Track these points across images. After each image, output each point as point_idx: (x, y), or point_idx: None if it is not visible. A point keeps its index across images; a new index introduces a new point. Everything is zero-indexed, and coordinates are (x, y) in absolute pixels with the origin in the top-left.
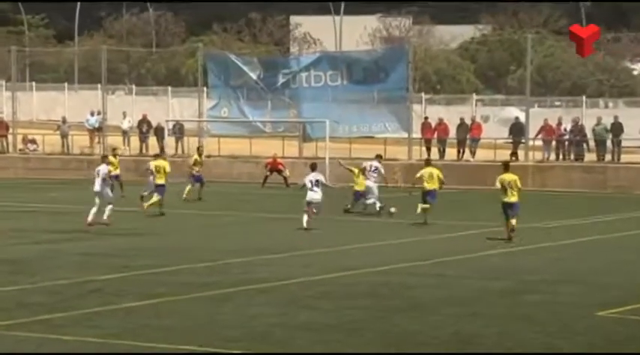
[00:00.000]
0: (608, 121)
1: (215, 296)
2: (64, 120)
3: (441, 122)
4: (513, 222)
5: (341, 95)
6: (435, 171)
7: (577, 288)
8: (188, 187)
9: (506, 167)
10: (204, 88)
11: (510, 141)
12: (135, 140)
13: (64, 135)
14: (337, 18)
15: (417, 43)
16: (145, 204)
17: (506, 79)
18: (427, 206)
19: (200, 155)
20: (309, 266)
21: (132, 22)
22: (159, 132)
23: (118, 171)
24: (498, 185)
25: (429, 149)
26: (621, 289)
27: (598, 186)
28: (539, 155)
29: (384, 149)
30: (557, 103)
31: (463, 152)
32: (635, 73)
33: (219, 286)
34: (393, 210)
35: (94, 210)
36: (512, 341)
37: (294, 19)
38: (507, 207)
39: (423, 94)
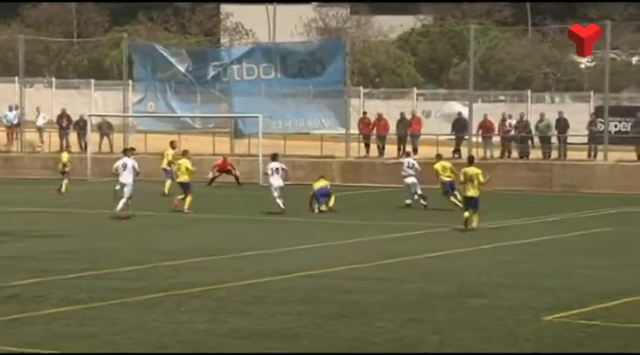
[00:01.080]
0: (553, 117)
1: (143, 301)
2: None
3: (380, 117)
4: (474, 221)
5: (275, 89)
6: (446, 164)
7: (522, 292)
8: (168, 182)
9: (470, 160)
10: (130, 81)
11: (453, 137)
12: (55, 136)
13: None
14: (271, 7)
15: (355, 34)
16: (185, 208)
17: (448, 73)
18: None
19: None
20: (241, 270)
21: (51, 10)
22: (80, 127)
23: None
24: (462, 177)
25: (367, 145)
26: (569, 292)
27: (544, 184)
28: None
29: (321, 145)
30: (502, 98)
31: (404, 149)
32: (582, 66)
33: (147, 291)
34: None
35: (122, 201)
36: (454, 348)
37: (224, 7)
38: (468, 202)
39: (361, 88)
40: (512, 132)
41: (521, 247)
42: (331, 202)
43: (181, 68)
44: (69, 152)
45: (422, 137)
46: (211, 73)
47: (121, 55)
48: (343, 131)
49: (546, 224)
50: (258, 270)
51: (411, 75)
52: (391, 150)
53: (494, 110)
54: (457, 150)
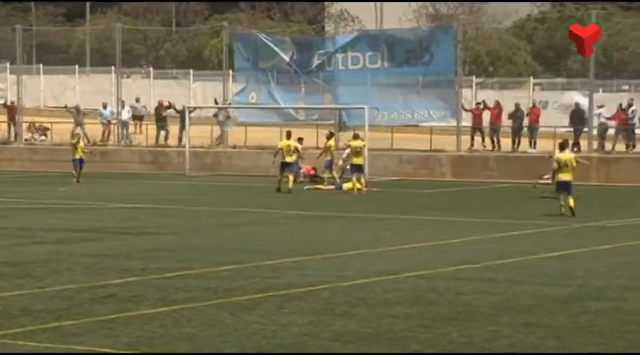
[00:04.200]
0: None
1: (241, 302)
2: (77, 109)
3: (497, 104)
4: (571, 202)
5: (381, 79)
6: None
7: (635, 294)
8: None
9: (562, 146)
10: (230, 71)
11: (571, 129)
12: (152, 129)
13: (78, 125)
14: None
15: (467, 20)
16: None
17: (567, 61)
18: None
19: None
20: (344, 270)
21: None
22: (182, 117)
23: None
24: (555, 165)
25: (474, 137)
26: None
27: None
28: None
29: (430, 139)
30: (625, 88)
31: (519, 142)
32: None
33: (245, 291)
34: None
35: None
36: None
37: None
38: (561, 185)
39: (473, 78)
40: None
41: (634, 248)
42: (362, 181)
43: (285, 57)
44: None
45: (540, 130)
46: (315, 62)
47: (221, 44)
48: (454, 123)
49: None
50: (362, 270)
51: (528, 63)
52: (505, 143)
53: (616, 100)
54: (576, 144)
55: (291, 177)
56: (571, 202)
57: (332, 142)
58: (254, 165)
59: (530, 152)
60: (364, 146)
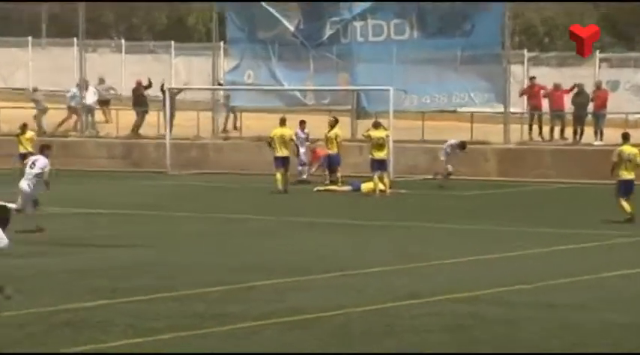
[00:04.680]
0: None
1: (234, 332)
2: (34, 90)
3: (557, 88)
4: (627, 206)
5: (410, 53)
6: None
7: None
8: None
9: (626, 137)
10: (221, 44)
11: None
12: (125, 115)
13: (40, 111)
14: None
15: None
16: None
17: None
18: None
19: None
20: (363, 290)
21: None
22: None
23: None
24: (615, 158)
25: (532, 126)
26: None
27: None
28: None
29: (470, 128)
30: None
31: (582, 132)
32: None
33: (239, 318)
34: None
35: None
36: None
37: None
38: (624, 186)
39: (525, 52)
40: None
41: None
42: (386, 181)
43: (290, 26)
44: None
45: (608, 116)
46: (327, 32)
47: (210, 10)
48: (500, 108)
49: None
50: (386, 291)
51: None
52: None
53: None
54: None
55: (278, 176)
56: (627, 207)
57: (337, 131)
58: (251, 161)
59: (595, 145)
60: (388, 137)
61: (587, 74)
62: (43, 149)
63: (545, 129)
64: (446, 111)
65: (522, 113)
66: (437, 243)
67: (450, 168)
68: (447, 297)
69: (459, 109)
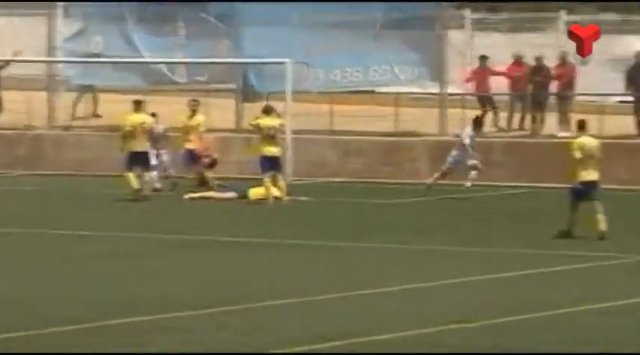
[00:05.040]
0: None
1: None
2: None
3: (518, 60)
4: (601, 222)
5: (313, 15)
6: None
7: None
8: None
9: (582, 126)
10: (59, 3)
11: (631, 97)
12: None
13: None
14: None
15: None
16: None
17: None
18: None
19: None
20: (258, 331)
21: None
22: None
23: None
24: (578, 155)
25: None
26: None
27: None
28: None
29: (395, 114)
30: None
31: (542, 118)
32: None
33: None
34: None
35: None
36: None
37: None
38: (586, 190)
39: (467, 13)
40: None
41: None
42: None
43: None
44: None
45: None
46: None
47: None
48: (435, 89)
49: None
50: (289, 331)
51: None
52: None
53: None
54: None
55: (131, 175)
56: (600, 218)
57: (199, 118)
58: (99, 158)
59: (560, 135)
60: (282, 126)
61: (549, 43)
62: None
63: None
64: (361, 91)
65: (464, 95)
66: (349, 269)
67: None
68: (356, 341)
69: (378, 90)
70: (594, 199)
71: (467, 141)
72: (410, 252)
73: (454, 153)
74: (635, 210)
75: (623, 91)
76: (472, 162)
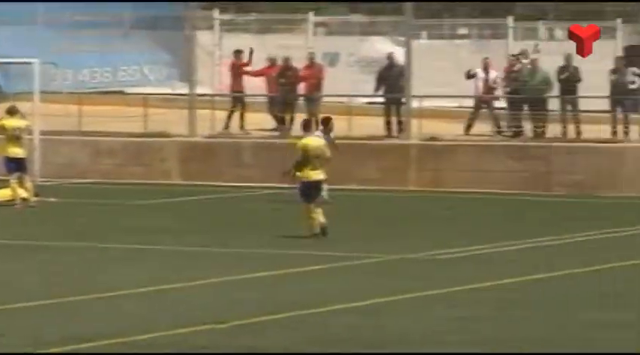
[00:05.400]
0: (553, 61)
1: None
2: None
3: (272, 62)
4: (320, 216)
5: (60, 15)
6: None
7: None
8: None
9: (306, 126)
10: None
11: (381, 98)
12: None
13: None
14: None
15: None
16: None
17: None
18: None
19: None
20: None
21: None
22: None
23: None
24: (301, 154)
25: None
26: None
27: (536, 182)
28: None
29: (144, 114)
30: (463, 32)
31: (292, 120)
32: None
33: None
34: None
35: None
36: None
37: None
38: (313, 188)
39: (216, 14)
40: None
41: (500, 293)
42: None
43: None
44: None
45: (325, 99)
46: None
47: None
48: (184, 89)
49: (542, 250)
50: (108, 326)
51: None
52: (260, 119)
53: (450, 51)
54: (390, 123)
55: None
56: (319, 212)
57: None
58: None
59: None
60: (28, 127)
61: (299, 44)
62: None
63: (255, 116)
64: (111, 92)
65: (213, 95)
66: (94, 270)
67: None
68: (110, 342)
69: (127, 90)
70: (315, 197)
71: None
72: (158, 252)
73: None
74: (382, 210)
75: (372, 93)
76: None
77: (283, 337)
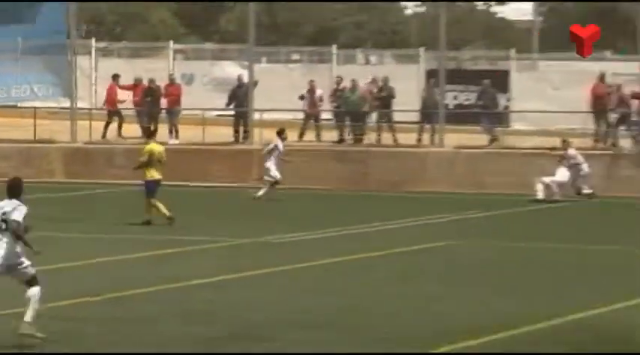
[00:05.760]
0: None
1: None
2: None
3: (137, 82)
4: (163, 208)
5: None
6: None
7: (318, 333)
8: None
9: (151, 133)
10: None
11: (232, 113)
12: None
13: None
14: None
15: None
16: None
17: (219, 22)
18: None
19: None
20: None
21: None
22: None
23: None
24: (145, 158)
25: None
26: (392, 331)
27: (356, 180)
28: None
29: (34, 125)
30: (296, 57)
31: (155, 129)
32: (409, 12)
33: None
34: None
35: None
36: None
37: None
38: (155, 185)
39: (93, 42)
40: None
41: (318, 270)
42: None
43: None
44: None
45: (183, 112)
46: None
47: None
48: (67, 104)
49: (357, 237)
50: None
51: (167, 24)
52: (131, 129)
53: (285, 73)
54: (237, 132)
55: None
56: (161, 206)
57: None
58: None
59: (170, 143)
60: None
61: (162, 67)
62: None
63: (130, 127)
64: (5, 106)
65: (91, 109)
66: None
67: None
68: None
69: (20, 104)
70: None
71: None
72: (43, 237)
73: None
74: (229, 203)
75: (223, 107)
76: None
77: (150, 309)
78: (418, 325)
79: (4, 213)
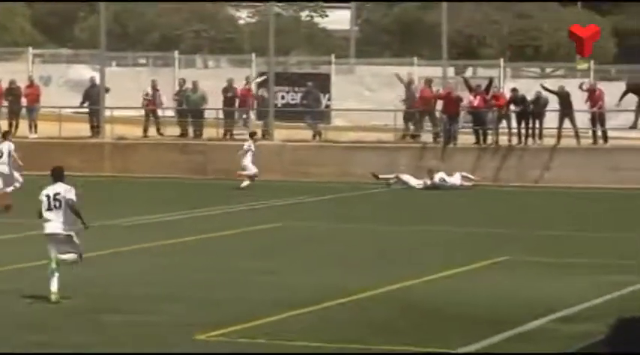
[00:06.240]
0: (209, 84)
1: None
2: None
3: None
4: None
5: None
6: None
7: (173, 305)
8: None
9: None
10: None
11: (86, 110)
12: None
13: None
14: None
15: None
16: None
17: (73, 30)
18: None
19: None
20: None
21: None
22: None
23: None
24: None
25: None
26: (231, 304)
27: (197, 169)
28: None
29: None
30: (143, 61)
31: (16, 125)
32: (242, 22)
33: None
34: None
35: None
36: None
37: None
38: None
39: None
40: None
41: (168, 249)
42: None
43: None
44: None
45: (42, 110)
46: None
47: None
48: None
49: (200, 219)
50: None
51: (26, 32)
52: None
53: (133, 76)
54: (94, 127)
55: None
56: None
57: None
58: None
59: (31, 137)
60: None
61: (22, 69)
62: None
63: None
64: None
65: None
66: None
67: None
68: None
69: None
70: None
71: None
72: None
73: None
74: (86, 191)
75: (78, 105)
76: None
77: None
78: (254, 296)
79: (57, 194)
